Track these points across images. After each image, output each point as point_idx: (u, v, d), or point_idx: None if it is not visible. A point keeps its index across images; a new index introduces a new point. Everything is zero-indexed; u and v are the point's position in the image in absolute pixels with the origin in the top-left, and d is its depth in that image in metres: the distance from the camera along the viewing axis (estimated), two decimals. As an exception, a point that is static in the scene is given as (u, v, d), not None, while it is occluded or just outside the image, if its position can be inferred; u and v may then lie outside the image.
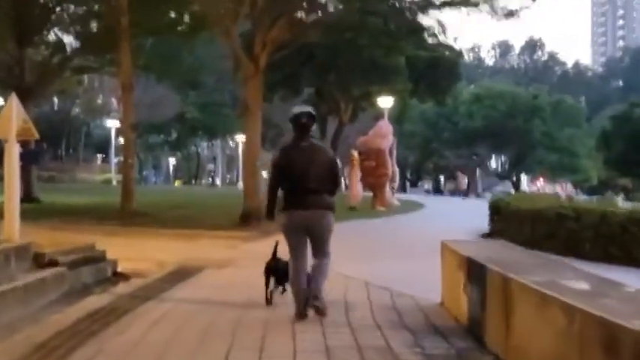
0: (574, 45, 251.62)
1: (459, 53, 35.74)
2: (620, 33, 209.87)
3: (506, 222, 15.45)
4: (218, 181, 78.27)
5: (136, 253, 12.28)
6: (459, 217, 24.12)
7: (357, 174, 26.40)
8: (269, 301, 7.46)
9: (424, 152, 59.47)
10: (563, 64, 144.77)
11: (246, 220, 18.22)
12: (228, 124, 63.04)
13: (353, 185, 26.52)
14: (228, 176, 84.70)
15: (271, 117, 54.43)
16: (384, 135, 27.13)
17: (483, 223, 21.35)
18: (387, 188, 27.59)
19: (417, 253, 12.72)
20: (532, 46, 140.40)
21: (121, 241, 14.24)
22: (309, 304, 6.76)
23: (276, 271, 7.44)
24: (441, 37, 21.78)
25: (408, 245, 14.11)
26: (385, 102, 33.95)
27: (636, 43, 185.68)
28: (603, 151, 55.40)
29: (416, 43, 28.60)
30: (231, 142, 78.18)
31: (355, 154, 26.45)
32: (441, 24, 21.82)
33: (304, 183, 6.75)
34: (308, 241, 6.85)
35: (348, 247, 12.48)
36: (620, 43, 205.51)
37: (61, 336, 5.97)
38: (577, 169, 63.08)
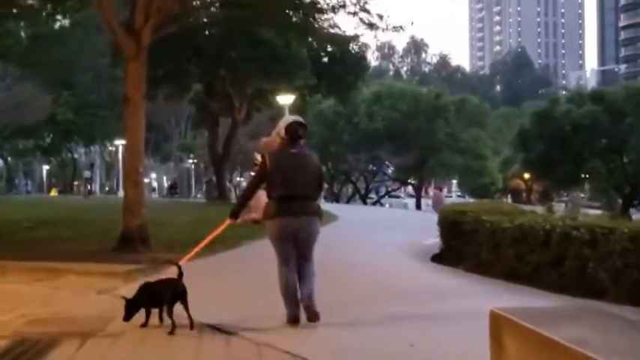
0: (452, 49, 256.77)
1: (366, 45, 32.43)
2: (497, 38, 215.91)
3: (470, 242, 11.87)
4: (97, 189, 72.36)
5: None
6: (384, 231, 20.66)
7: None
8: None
9: (321, 155, 55.32)
10: (448, 65, 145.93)
11: (128, 243, 13.93)
12: (106, 127, 57.67)
13: (257, 195, 22.37)
14: (108, 184, 78.87)
15: (155, 118, 49.91)
16: (291, 135, 23.05)
17: (415, 237, 18.01)
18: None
19: (368, 296, 8.91)
20: (415, 47, 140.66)
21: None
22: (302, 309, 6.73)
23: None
24: (363, 15, 18.09)
25: (350, 281, 10.23)
26: (285, 99, 30.11)
27: (511, 47, 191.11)
28: (521, 152, 53.16)
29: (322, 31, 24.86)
30: (110, 147, 72.49)
31: (259, 157, 22.23)
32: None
33: (294, 189, 6.75)
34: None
35: (262, 288, 8.56)
36: (497, 47, 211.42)
37: None
38: (484, 171, 60.96)
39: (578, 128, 46.48)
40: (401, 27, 19.78)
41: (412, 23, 25.97)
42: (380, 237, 18.07)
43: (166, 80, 30.86)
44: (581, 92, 54.52)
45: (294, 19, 18.66)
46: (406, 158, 56.38)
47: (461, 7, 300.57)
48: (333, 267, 11.56)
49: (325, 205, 37.33)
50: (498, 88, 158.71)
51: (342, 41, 28.48)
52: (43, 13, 22.38)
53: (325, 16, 19.40)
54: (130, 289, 9.77)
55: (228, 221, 7.32)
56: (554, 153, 46.71)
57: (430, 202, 41.65)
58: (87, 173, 59.95)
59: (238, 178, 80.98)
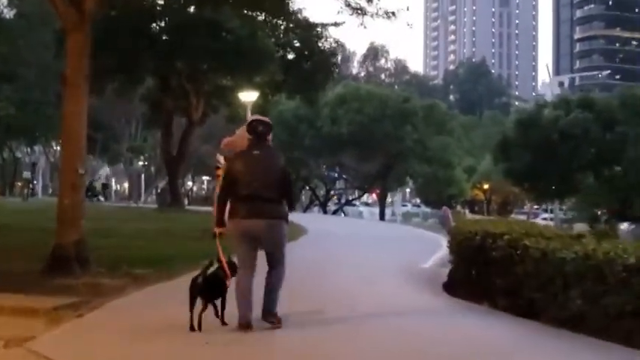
0: (407, 56, 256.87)
1: (337, 42, 29.75)
2: (452, 47, 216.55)
3: (504, 274, 9.22)
4: (39, 192, 68.28)
5: None
6: (366, 247, 18.05)
7: (224, 187, 19.41)
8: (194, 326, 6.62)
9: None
10: (405, 71, 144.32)
11: (62, 264, 11.01)
12: (50, 125, 53.85)
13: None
14: (52, 186, 74.82)
15: (103, 116, 46.84)
16: (257, 135, 20.06)
17: (406, 256, 15.56)
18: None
19: None
20: (375, 53, 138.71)
21: None
22: (263, 317, 6.74)
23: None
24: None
25: (355, 330, 7.46)
26: (248, 96, 27.23)
27: (465, 57, 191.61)
28: (502, 162, 50.45)
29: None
30: (55, 147, 68.49)
31: (222, 159, 19.29)
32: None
33: (254, 190, 6.68)
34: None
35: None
36: (452, 57, 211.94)
37: None
38: (452, 181, 58.49)
39: (565, 137, 44.09)
40: (393, 13, 17.17)
41: (407, 8, 22.99)
42: (365, 256, 15.33)
43: (116, 72, 27.82)
44: (567, 98, 52.06)
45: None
46: (371, 165, 53.67)
47: (417, 15, 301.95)
48: (325, 303, 8.78)
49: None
50: (452, 97, 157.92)
51: (315, 30, 25.76)
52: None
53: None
54: (54, 340, 6.94)
55: (217, 231, 6.92)
56: (539, 163, 44.21)
57: (438, 219, 38.68)
58: (27, 174, 55.95)
59: (190, 183, 77.62)
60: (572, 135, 43.82)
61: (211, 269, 6.87)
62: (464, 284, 10.59)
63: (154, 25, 28.08)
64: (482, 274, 9.94)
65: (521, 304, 8.76)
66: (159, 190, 59.29)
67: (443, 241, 22.21)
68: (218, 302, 6.85)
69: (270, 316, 6.76)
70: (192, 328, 6.63)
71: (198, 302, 6.72)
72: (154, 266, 11.91)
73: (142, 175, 71.50)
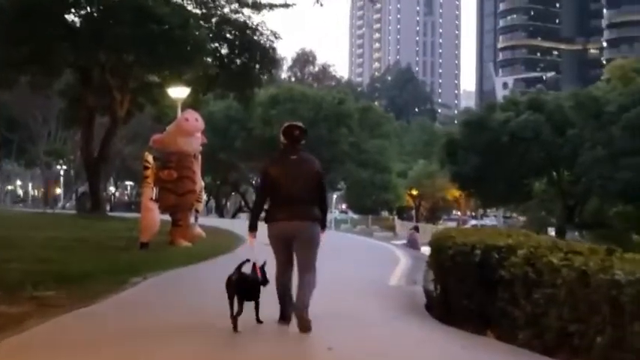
0: (333, 62, 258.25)
1: (275, 34, 27.75)
2: (377, 55, 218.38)
3: (516, 299, 7.33)
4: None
5: None
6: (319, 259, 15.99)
7: (152, 190, 17.09)
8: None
9: (209, 164, 49.61)
10: (329, 76, 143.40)
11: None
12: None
13: (146, 208, 17.06)
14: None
15: (18, 114, 43.91)
16: (190, 132, 17.57)
17: (363, 269, 13.76)
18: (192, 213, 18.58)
19: None
20: (304, 58, 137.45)
21: None
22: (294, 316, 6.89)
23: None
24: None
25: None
26: (178, 92, 24.87)
27: (390, 64, 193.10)
28: (449, 165, 48.86)
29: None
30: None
31: (150, 158, 17.01)
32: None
33: (290, 194, 6.88)
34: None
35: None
36: (377, 64, 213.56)
37: None
38: (389, 186, 57.01)
39: (515, 139, 42.84)
40: None
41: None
42: (323, 270, 13.30)
43: (30, 63, 25.18)
44: (515, 99, 50.72)
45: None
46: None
47: (343, 22, 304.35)
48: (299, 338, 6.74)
49: (212, 221, 32.52)
50: (377, 103, 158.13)
51: (251, 22, 23.79)
52: None
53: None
54: None
55: (251, 237, 7.17)
56: (487, 166, 42.83)
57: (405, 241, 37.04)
58: None
59: (112, 188, 74.08)
60: (523, 138, 42.63)
61: (245, 269, 6.84)
62: (454, 309, 8.66)
63: (73, 10, 25.63)
64: (482, 298, 8.02)
65: (548, 338, 6.88)
66: (78, 195, 56.30)
67: (395, 251, 20.71)
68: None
69: (303, 321, 6.81)
70: (235, 329, 6.63)
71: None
72: (67, 285, 9.70)
73: (61, 179, 67.77)
